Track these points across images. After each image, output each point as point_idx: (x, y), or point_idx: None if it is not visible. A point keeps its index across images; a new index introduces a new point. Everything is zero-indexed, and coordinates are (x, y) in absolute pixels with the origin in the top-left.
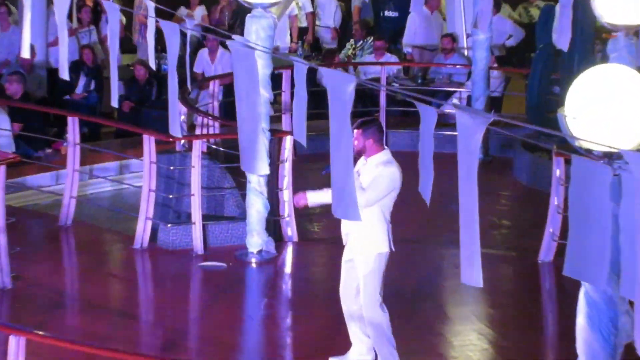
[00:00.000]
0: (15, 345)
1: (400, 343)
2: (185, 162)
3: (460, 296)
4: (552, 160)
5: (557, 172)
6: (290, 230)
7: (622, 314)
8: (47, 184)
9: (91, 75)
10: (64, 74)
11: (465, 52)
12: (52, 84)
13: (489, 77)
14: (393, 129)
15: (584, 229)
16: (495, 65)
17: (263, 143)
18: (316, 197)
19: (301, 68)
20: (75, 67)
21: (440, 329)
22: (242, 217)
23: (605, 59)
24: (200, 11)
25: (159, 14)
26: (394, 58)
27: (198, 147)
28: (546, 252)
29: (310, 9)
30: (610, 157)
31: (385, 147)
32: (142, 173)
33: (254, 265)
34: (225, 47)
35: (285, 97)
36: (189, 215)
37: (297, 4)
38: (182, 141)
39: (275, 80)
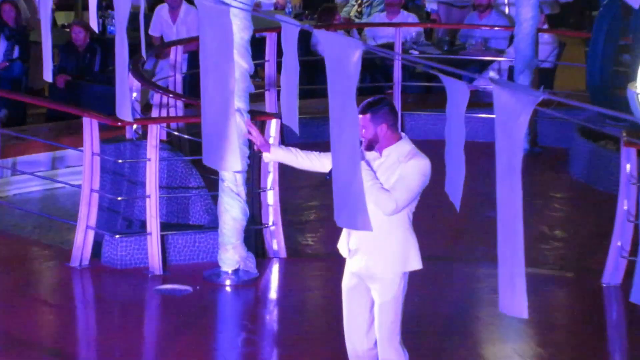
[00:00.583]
0: None
1: None
2: (138, 154)
3: (499, 330)
4: (620, 151)
5: (627, 167)
6: (277, 243)
7: None
8: None
9: (14, 39)
10: None
11: (506, 10)
12: None
13: (537, 42)
14: (411, 110)
15: None
16: (546, 26)
17: (234, 130)
18: (281, 155)
19: (291, 31)
20: None
21: None
22: (212, 225)
23: None
24: None
25: None
26: (412, 17)
27: (155, 133)
28: (612, 273)
29: None
30: None
31: (402, 133)
32: (82, 168)
33: (228, 288)
34: (190, 2)
35: (269, 68)
36: (143, 224)
37: None
38: (134, 126)
39: (257, 47)
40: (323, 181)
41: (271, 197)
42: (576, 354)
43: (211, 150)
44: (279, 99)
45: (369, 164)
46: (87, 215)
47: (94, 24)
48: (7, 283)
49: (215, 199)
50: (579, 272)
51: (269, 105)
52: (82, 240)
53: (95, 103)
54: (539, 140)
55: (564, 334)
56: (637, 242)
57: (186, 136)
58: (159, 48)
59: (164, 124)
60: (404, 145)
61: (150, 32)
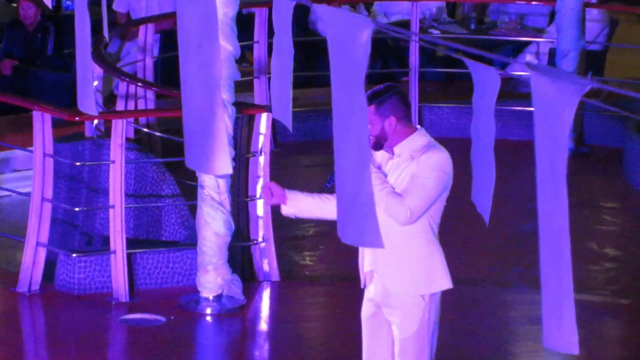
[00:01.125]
0: None
1: None
2: (100, 156)
3: None
4: None
5: None
6: (268, 263)
7: None
8: None
9: None
10: None
11: None
12: None
13: (583, 19)
14: (430, 102)
15: None
16: (595, 0)
17: (222, 125)
18: (303, 204)
19: (284, 5)
20: None
21: None
22: (190, 242)
23: None
24: None
25: None
26: None
27: (121, 130)
28: None
29: None
30: None
31: (418, 125)
32: (31, 172)
33: (209, 318)
34: None
35: (259, 51)
36: (106, 240)
37: None
38: (96, 121)
39: (245, 26)
40: (323, 188)
41: (261, 208)
42: None
43: (195, 150)
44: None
45: (379, 167)
46: (38, 229)
47: None
48: None
49: (193, 209)
50: (635, 299)
51: (259, 95)
52: (32, 260)
53: (48, 93)
54: (586, 138)
55: None
56: None
57: (158, 134)
58: (125, 27)
59: (131, 119)
60: (418, 139)
61: (114, 7)
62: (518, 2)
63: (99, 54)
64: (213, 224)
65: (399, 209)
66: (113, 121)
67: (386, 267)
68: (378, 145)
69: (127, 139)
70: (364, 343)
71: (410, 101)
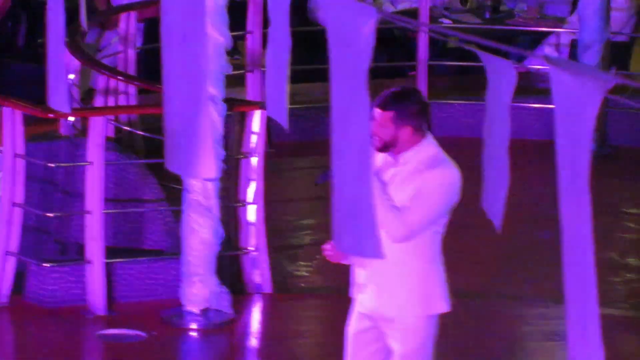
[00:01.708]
0: None
1: None
2: (76, 157)
3: None
4: None
5: None
6: (260, 274)
7: None
8: None
9: None
10: None
11: None
12: None
13: (608, 8)
14: (440, 98)
15: None
16: None
17: (208, 124)
18: None
19: None
20: None
21: None
22: (174, 251)
23: None
24: None
25: None
26: None
27: (99, 129)
28: None
29: None
30: None
31: (428, 132)
32: (0, 174)
33: (194, 334)
34: None
35: (252, 42)
36: (81, 249)
37: None
38: (72, 119)
39: (236, 13)
40: (322, 194)
41: (253, 214)
42: None
43: (176, 151)
44: (264, 84)
45: (377, 173)
46: (7, 237)
47: None
48: None
49: (178, 215)
50: None
51: (252, 91)
52: (0, 271)
53: (19, 87)
54: (610, 138)
55: None
56: None
57: (140, 132)
58: (105, 15)
59: (111, 117)
60: (427, 149)
61: None
62: None
63: (75, 45)
64: (200, 231)
65: (396, 225)
66: (91, 119)
67: (384, 283)
68: (384, 148)
69: (107, 138)
70: (352, 355)
71: (428, 105)
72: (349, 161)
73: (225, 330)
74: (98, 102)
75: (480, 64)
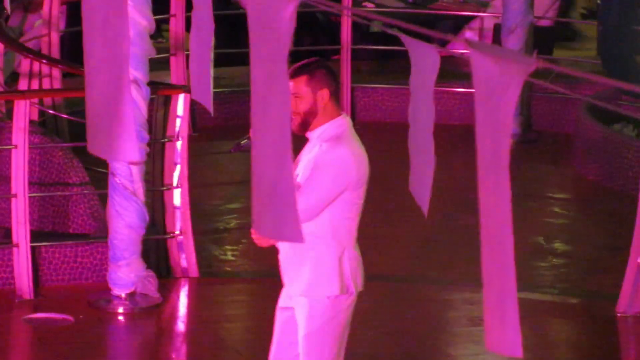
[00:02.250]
0: None
1: None
2: (1, 140)
3: None
4: None
5: None
6: (186, 258)
7: None
8: None
9: None
10: None
11: None
12: None
13: None
14: (363, 82)
15: None
16: None
17: (130, 107)
18: None
19: None
20: None
21: None
22: (100, 235)
23: None
24: None
25: None
26: None
27: (23, 112)
28: (630, 298)
29: None
30: None
31: (344, 113)
32: None
33: (121, 318)
34: None
35: (176, 25)
36: (7, 232)
37: None
38: None
39: None
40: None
41: (178, 198)
42: None
43: (98, 133)
44: (188, 67)
45: None
46: None
47: None
48: None
49: (103, 199)
50: (587, 298)
51: (176, 74)
52: None
53: None
54: (534, 122)
55: None
56: None
57: (65, 116)
58: None
59: (36, 100)
60: (333, 129)
61: None
62: None
63: None
64: (125, 215)
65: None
66: (15, 102)
67: (287, 264)
68: (305, 125)
69: (31, 122)
70: (274, 334)
71: (336, 75)
72: (268, 144)
73: (151, 314)
74: (22, 85)
75: (404, 48)
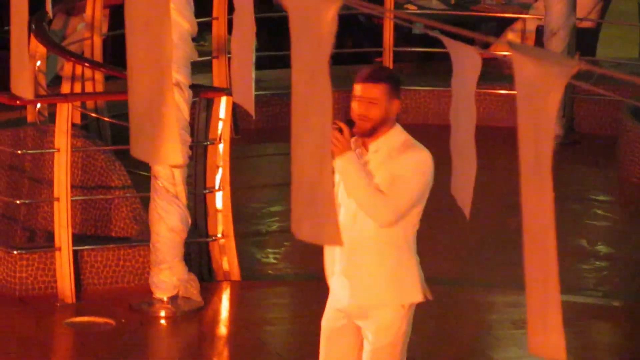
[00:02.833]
0: None
1: None
2: (43, 143)
3: None
4: None
5: None
6: (228, 261)
7: None
8: None
9: None
10: None
11: None
12: None
13: None
14: (406, 84)
15: None
16: None
17: (173, 110)
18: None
19: None
20: None
21: None
22: (142, 239)
23: None
24: None
25: None
26: None
27: (66, 116)
28: None
29: None
30: None
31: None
32: None
33: (163, 322)
34: None
35: (218, 28)
36: (50, 236)
37: None
38: (38, 105)
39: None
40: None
41: (220, 201)
42: None
43: (141, 137)
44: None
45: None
46: None
47: None
48: None
49: (146, 202)
50: (630, 301)
51: (218, 77)
52: None
53: None
54: (576, 124)
55: None
56: None
57: (107, 119)
58: (71, 1)
59: (78, 103)
60: (397, 135)
61: None
62: None
63: (41, 32)
64: (167, 219)
65: (383, 210)
66: (58, 105)
67: (360, 275)
68: (373, 131)
69: (73, 125)
70: (322, 352)
71: None
72: (309, 148)
73: (193, 317)
74: (64, 88)
75: (446, 50)
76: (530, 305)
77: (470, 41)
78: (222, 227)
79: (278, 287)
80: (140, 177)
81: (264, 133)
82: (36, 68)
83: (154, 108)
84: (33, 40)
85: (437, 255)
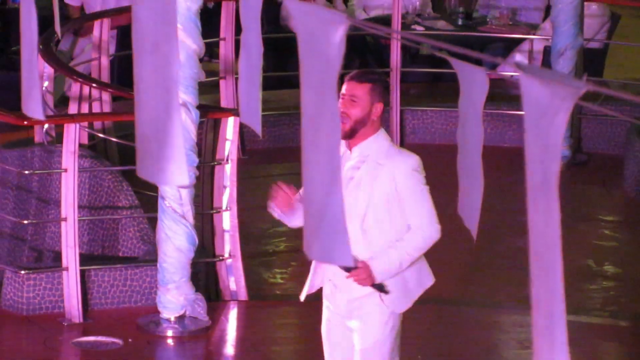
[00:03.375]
0: None
1: None
2: (51, 163)
3: None
4: None
5: None
6: (235, 281)
7: None
8: None
9: None
10: None
11: None
12: None
13: (582, 14)
14: (413, 105)
15: None
16: None
17: (179, 131)
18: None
19: None
20: None
21: None
22: (149, 258)
23: None
24: None
25: None
26: None
27: (73, 136)
28: None
29: None
30: None
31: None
32: None
33: (170, 341)
34: None
35: (226, 49)
36: (57, 256)
37: None
38: (46, 126)
39: (210, 20)
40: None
41: (227, 221)
42: None
43: (148, 158)
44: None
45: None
46: None
47: None
48: None
49: (153, 222)
50: (636, 321)
51: (226, 97)
52: None
53: None
54: (584, 145)
55: None
56: None
57: (114, 139)
58: (79, 22)
59: (85, 123)
60: (382, 140)
61: (66, 0)
62: None
63: (49, 52)
64: (175, 239)
65: (427, 238)
66: (65, 126)
67: (347, 280)
68: (352, 132)
69: (81, 145)
70: (326, 353)
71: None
72: (319, 168)
73: (200, 337)
74: (72, 109)
75: (453, 70)
76: (536, 325)
77: (477, 62)
78: (229, 247)
79: (285, 307)
80: (147, 197)
81: (271, 153)
82: (44, 88)
83: (161, 129)
84: (40, 60)
85: (442, 275)
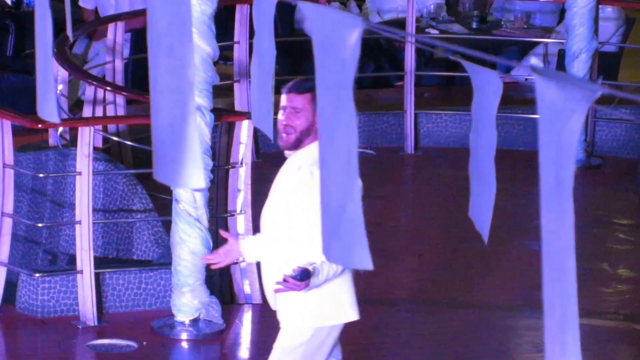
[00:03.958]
0: None
1: None
2: (65, 167)
3: None
4: None
5: None
6: (249, 284)
7: None
8: None
9: None
10: None
11: None
12: None
13: (597, 17)
14: (427, 108)
15: None
16: None
17: (195, 134)
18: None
19: (265, 1)
20: None
21: None
22: (164, 261)
23: None
24: None
25: None
26: None
27: (88, 139)
28: None
29: None
30: None
31: None
32: None
33: (185, 344)
34: None
35: (239, 52)
36: (72, 259)
37: None
38: (60, 129)
39: (223, 23)
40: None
41: (242, 224)
42: None
43: (163, 160)
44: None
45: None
46: None
47: None
48: None
49: (167, 226)
50: None
51: (240, 101)
52: None
53: (8, 98)
54: (598, 148)
55: None
56: None
57: (129, 142)
58: (93, 25)
59: (100, 127)
60: (315, 149)
61: (80, 3)
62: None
63: (63, 55)
64: (189, 242)
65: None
66: (79, 129)
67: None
68: (298, 143)
69: (95, 149)
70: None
71: None
72: (336, 172)
73: (215, 340)
74: (86, 112)
75: (467, 74)
76: (548, 329)
77: (492, 65)
78: None
79: None
80: (162, 200)
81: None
82: (58, 92)
83: (176, 132)
84: (55, 63)
85: (457, 279)
